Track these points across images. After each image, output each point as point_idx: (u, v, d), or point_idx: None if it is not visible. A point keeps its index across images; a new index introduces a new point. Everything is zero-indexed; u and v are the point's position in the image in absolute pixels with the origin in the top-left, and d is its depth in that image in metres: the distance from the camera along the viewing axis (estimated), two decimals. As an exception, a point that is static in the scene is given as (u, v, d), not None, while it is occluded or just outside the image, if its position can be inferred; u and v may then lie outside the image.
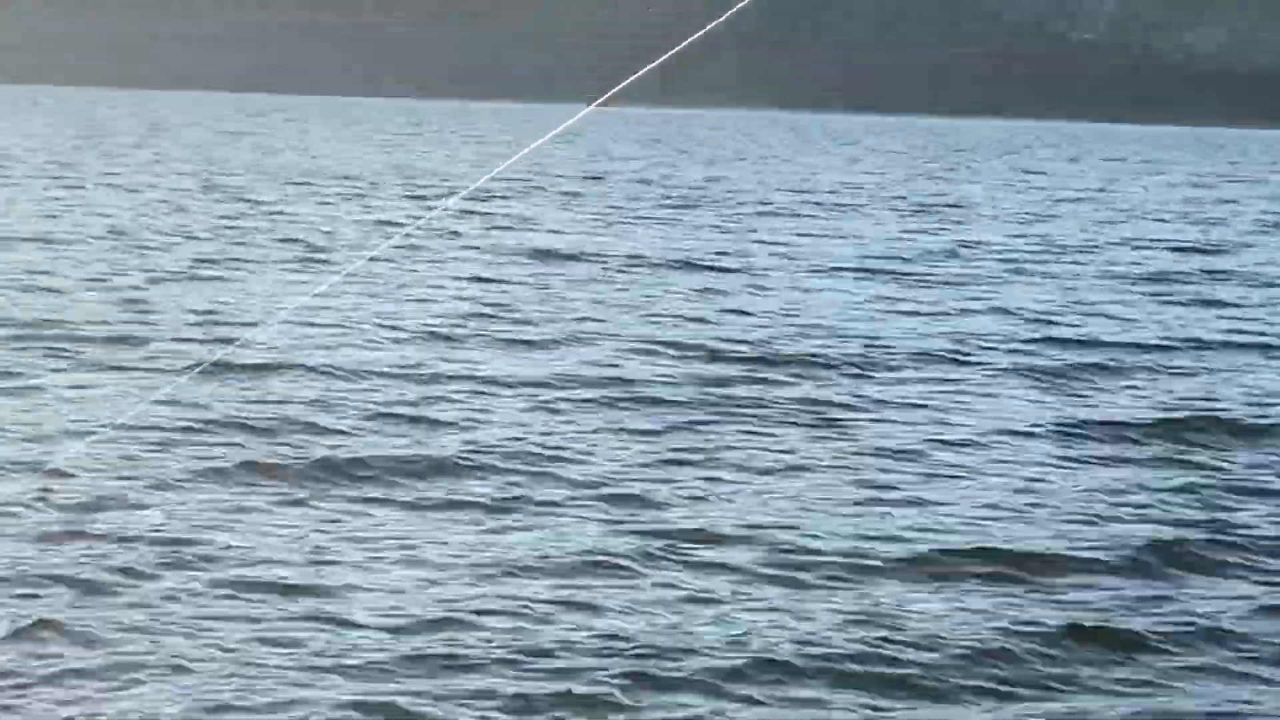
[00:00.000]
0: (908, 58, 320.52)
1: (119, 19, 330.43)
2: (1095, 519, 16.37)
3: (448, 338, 26.13)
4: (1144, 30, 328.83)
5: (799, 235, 47.85)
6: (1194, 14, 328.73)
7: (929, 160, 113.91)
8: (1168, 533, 15.76)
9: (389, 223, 46.57)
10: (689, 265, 38.64)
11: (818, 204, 62.46)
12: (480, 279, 34.05)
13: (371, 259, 33.78)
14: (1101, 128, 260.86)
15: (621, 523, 15.55)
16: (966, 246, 46.02)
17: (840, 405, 21.67)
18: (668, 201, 61.17)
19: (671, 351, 25.39)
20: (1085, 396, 23.20)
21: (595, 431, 19.53)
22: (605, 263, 38.25)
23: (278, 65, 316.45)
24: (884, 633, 12.77)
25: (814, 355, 25.51)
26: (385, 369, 22.87)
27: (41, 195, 51.87)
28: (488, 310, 29.42)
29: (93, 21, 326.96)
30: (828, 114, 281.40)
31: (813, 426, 20.30)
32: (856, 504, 16.66)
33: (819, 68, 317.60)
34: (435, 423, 19.52)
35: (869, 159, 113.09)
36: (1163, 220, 60.87)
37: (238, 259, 36.12)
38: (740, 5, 12.23)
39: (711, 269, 38.10)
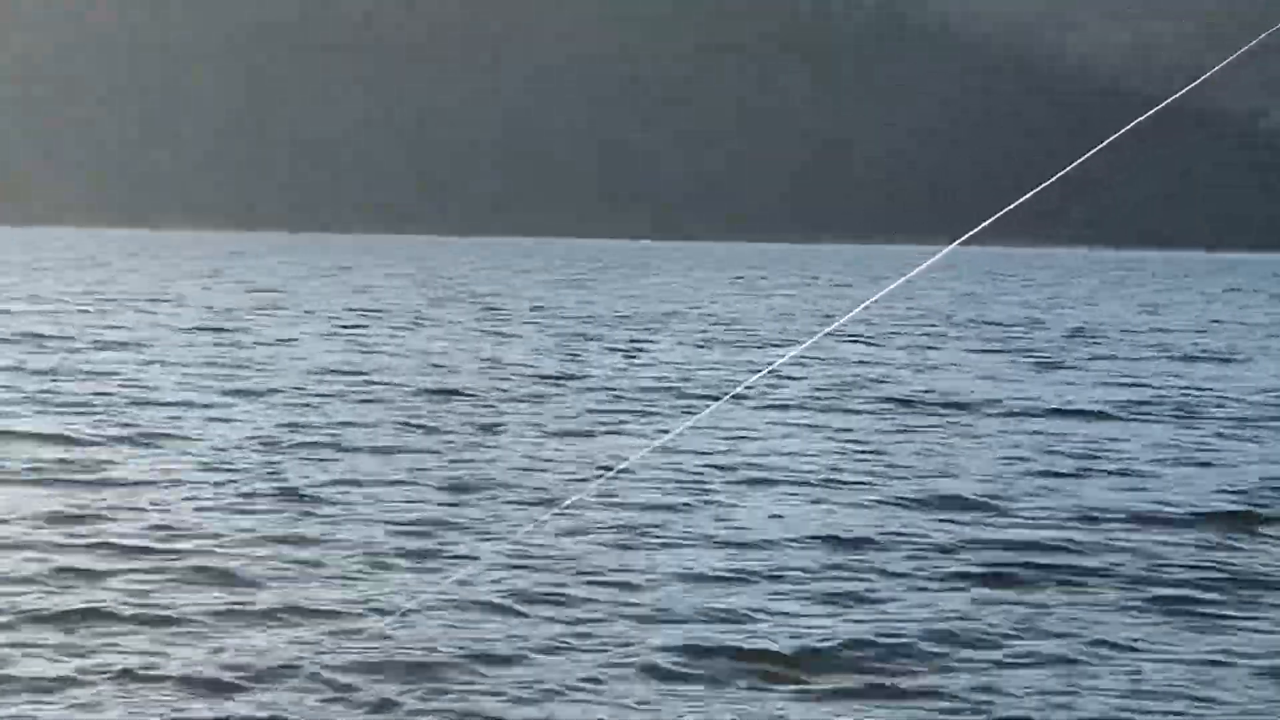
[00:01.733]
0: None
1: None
2: None
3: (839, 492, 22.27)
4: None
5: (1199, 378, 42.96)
6: None
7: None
8: None
9: (739, 368, 43.15)
10: (1107, 414, 33.95)
11: (1196, 345, 57.29)
12: (849, 430, 30.08)
13: (717, 405, 29.79)
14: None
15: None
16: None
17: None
18: (1049, 343, 56.54)
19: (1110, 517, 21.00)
20: None
21: (1019, 622, 15.38)
22: (986, 411, 33.97)
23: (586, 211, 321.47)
24: None
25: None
26: (726, 528, 19.70)
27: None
28: (867, 465, 25.41)
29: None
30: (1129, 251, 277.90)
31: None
32: None
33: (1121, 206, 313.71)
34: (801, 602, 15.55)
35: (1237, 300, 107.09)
36: None
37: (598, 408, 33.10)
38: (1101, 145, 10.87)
39: (1133, 420, 33.32)
